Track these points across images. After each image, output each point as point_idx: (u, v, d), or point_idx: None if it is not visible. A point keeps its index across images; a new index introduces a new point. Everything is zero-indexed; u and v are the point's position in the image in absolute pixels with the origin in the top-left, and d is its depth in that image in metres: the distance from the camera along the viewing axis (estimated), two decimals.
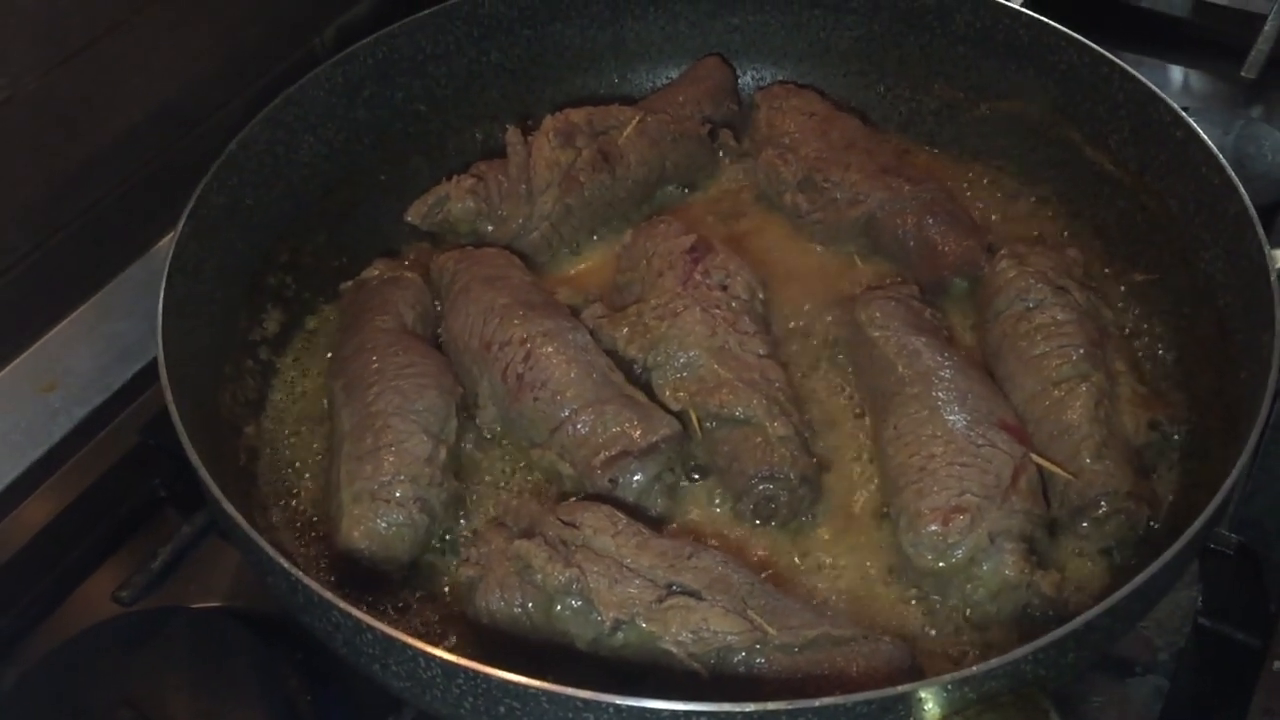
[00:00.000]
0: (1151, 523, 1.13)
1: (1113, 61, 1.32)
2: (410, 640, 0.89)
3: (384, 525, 1.11)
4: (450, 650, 1.05)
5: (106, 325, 1.39)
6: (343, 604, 0.91)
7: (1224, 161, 1.19)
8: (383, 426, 1.15)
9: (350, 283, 1.38)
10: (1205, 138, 1.22)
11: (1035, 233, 1.42)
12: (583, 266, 1.45)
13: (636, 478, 1.16)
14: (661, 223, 1.40)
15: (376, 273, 1.36)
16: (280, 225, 1.36)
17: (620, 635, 0.99)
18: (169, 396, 1.06)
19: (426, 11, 1.46)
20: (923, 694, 0.87)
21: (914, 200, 1.39)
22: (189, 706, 1.11)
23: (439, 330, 1.33)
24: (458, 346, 1.29)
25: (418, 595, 1.14)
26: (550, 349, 1.22)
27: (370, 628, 0.90)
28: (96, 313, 1.38)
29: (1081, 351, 1.20)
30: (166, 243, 1.21)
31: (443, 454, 1.16)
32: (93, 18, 1.26)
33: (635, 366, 1.27)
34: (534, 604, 1.02)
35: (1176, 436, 1.19)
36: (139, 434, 1.34)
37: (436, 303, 1.35)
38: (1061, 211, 1.42)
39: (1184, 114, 1.25)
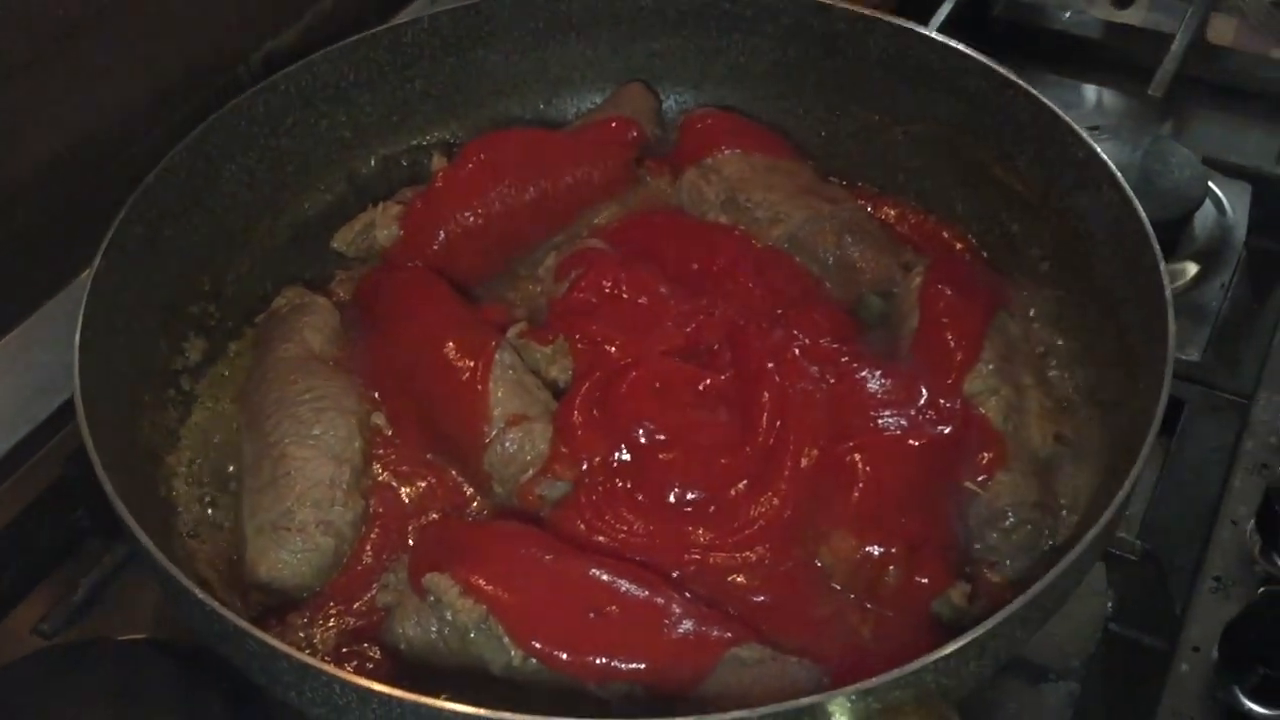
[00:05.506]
0: (1051, 535, 1.16)
1: (1017, 84, 1.36)
2: (324, 666, 0.89)
3: (286, 554, 1.11)
4: (373, 672, 1.08)
5: (29, 357, 1.38)
6: (256, 631, 0.91)
7: (1121, 179, 1.23)
8: (280, 455, 1.16)
9: (264, 315, 1.38)
10: (1104, 157, 1.26)
11: (950, 250, 1.45)
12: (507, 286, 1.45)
13: (564, 493, 1.18)
14: (585, 246, 1.42)
15: (284, 302, 1.37)
16: (202, 255, 1.36)
17: (532, 662, 1.01)
18: (84, 428, 1.06)
19: (349, 40, 1.47)
20: (829, 705, 0.89)
21: (833, 219, 1.43)
22: None
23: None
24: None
25: (338, 613, 1.14)
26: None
27: (285, 655, 0.91)
28: (19, 345, 1.37)
29: (991, 366, 1.23)
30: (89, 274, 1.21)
31: (346, 474, 1.17)
32: (6, 54, 1.26)
33: (558, 385, 1.29)
34: (449, 630, 1.03)
35: (1081, 447, 1.22)
36: (63, 466, 1.34)
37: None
38: (974, 229, 1.46)
39: (1084, 134, 1.29)
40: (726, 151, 1.50)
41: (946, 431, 1.17)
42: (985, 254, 1.44)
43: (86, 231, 1.35)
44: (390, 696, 0.88)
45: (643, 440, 1.19)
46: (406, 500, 1.21)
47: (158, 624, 1.23)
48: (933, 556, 1.11)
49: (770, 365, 1.22)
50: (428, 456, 1.24)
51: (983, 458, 1.17)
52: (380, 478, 1.22)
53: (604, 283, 1.33)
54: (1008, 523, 1.15)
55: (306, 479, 1.15)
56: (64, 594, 1.20)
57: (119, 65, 1.39)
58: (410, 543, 1.17)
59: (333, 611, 1.14)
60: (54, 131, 1.35)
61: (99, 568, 1.21)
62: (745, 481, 1.16)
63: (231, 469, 1.25)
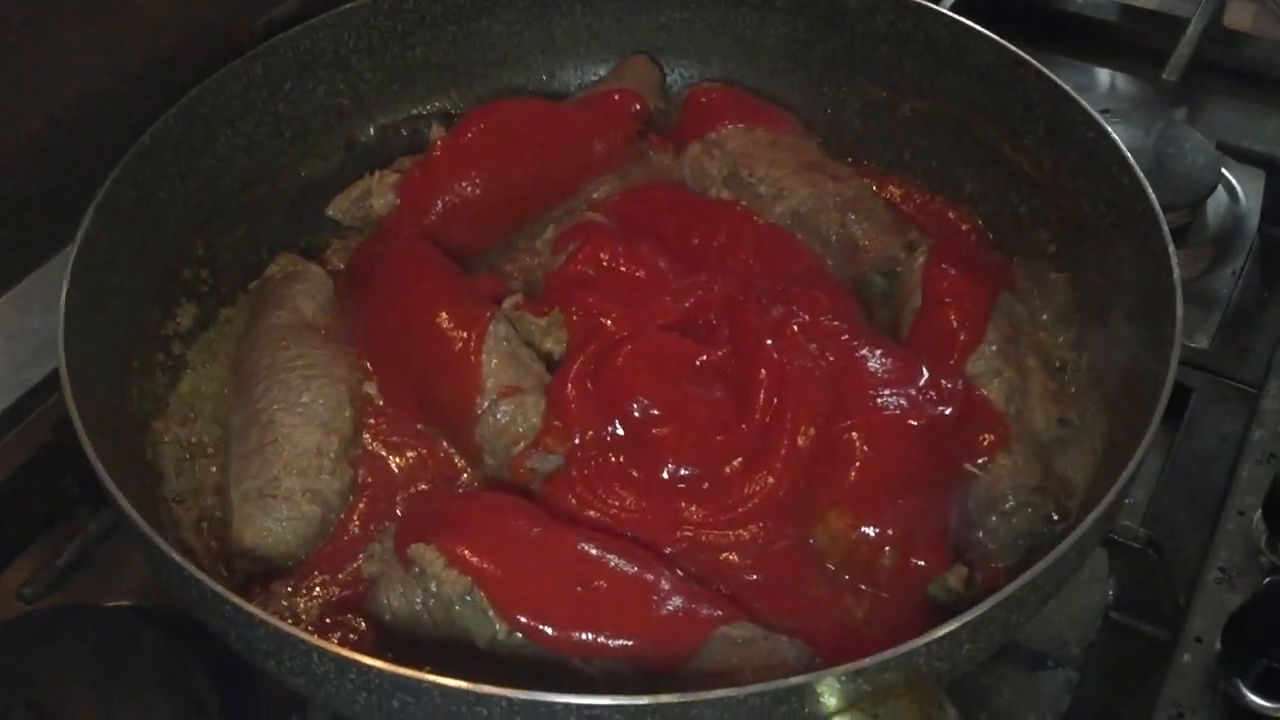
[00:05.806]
0: (1057, 516, 1.14)
1: (1028, 62, 1.33)
2: (301, 635, 0.88)
3: (272, 522, 1.10)
4: (358, 643, 1.06)
5: (22, 322, 1.37)
6: (233, 597, 0.90)
7: (1132, 161, 1.20)
8: (268, 422, 1.14)
9: (257, 282, 1.37)
10: (1115, 138, 1.23)
11: (955, 229, 1.43)
12: (504, 257, 1.43)
13: (556, 467, 1.16)
14: (584, 219, 1.40)
15: (278, 269, 1.35)
16: (196, 219, 1.34)
17: (517, 636, 0.99)
18: (67, 390, 1.04)
19: (349, 5, 1.45)
20: (817, 686, 0.87)
21: (836, 197, 1.40)
22: (92, 706, 1.10)
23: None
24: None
25: (323, 583, 1.12)
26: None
27: (262, 622, 0.89)
28: (11, 309, 1.36)
29: (994, 348, 1.21)
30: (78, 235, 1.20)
31: (335, 443, 1.15)
32: (4, 14, 1.24)
33: (553, 357, 1.27)
34: (434, 602, 1.02)
35: (1085, 432, 1.20)
36: (52, 431, 1.32)
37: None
38: (980, 209, 1.43)
39: (1095, 114, 1.26)
40: (730, 126, 1.48)
41: (947, 412, 1.14)
42: (992, 235, 1.42)
43: (82, 197, 1.33)
44: (369, 667, 0.86)
45: (637, 415, 1.17)
46: (396, 470, 1.20)
47: (145, 592, 1.22)
48: (930, 539, 1.09)
49: (769, 342, 1.20)
50: (418, 427, 1.23)
51: (984, 440, 1.15)
52: (370, 447, 1.21)
53: (602, 255, 1.31)
54: (1007, 506, 1.13)
55: (294, 446, 1.13)
56: (48, 559, 1.18)
57: (118, 30, 1.37)
58: (399, 513, 1.16)
59: (318, 581, 1.12)
60: (51, 96, 1.33)
61: (83, 533, 1.19)
62: (740, 459, 1.14)
63: (220, 435, 1.24)
